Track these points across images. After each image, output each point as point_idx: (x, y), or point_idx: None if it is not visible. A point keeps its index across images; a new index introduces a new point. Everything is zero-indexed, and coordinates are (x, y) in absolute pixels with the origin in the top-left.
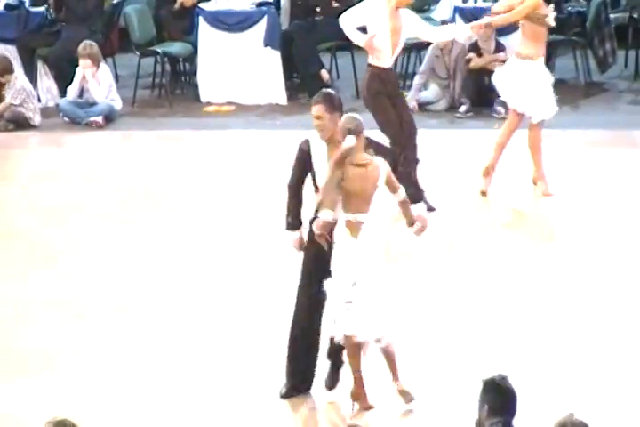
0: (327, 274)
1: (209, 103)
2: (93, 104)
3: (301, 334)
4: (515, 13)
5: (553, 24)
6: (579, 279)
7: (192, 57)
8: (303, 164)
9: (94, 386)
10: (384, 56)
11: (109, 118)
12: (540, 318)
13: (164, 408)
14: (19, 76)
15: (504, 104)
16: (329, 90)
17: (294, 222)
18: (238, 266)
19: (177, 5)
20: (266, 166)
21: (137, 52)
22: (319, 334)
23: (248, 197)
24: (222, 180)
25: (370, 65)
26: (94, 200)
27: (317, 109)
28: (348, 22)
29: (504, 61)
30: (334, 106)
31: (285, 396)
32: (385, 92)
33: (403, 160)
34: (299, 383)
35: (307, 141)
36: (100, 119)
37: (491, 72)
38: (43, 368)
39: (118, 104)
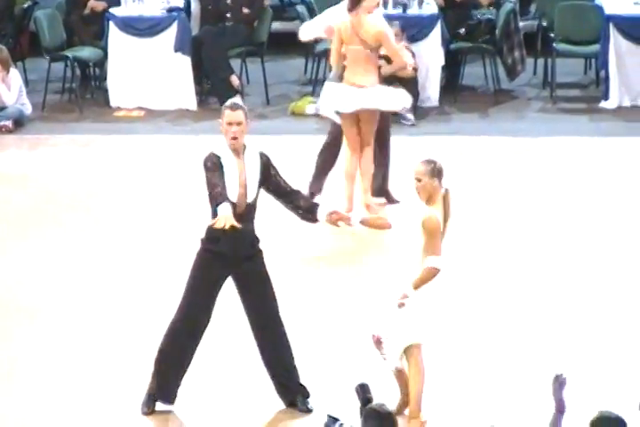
0: (215, 287)
1: (119, 108)
2: (3, 108)
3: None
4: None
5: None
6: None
7: (102, 62)
8: (219, 173)
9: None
10: None
11: (19, 123)
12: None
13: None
14: None
15: (413, 111)
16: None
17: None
18: (154, 270)
19: (87, 10)
20: (175, 172)
21: (47, 57)
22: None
23: (156, 201)
24: (131, 185)
25: None
26: (3, 204)
27: (238, 115)
28: (307, 35)
29: (414, 69)
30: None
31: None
32: None
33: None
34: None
35: (213, 155)
36: (9, 123)
37: (400, 79)
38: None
39: (28, 108)
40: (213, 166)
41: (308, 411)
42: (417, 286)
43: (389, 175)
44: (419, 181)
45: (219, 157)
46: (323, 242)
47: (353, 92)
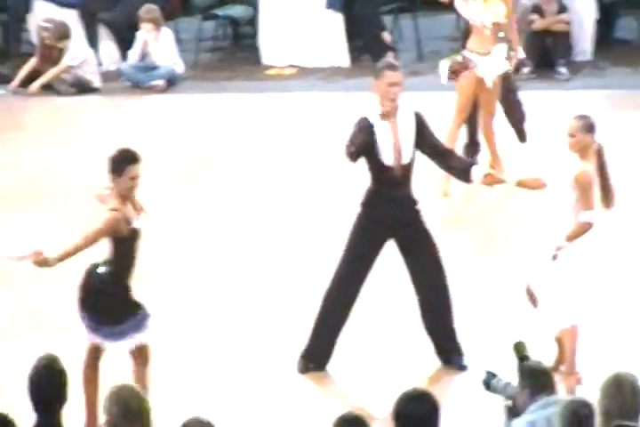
0: (374, 251)
1: (271, 66)
2: (155, 68)
3: (331, 309)
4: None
5: None
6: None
7: (253, 20)
8: (365, 136)
9: None
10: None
11: (171, 82)
12: None
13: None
14: (77, 40)
15: (567, 65)
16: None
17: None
18: (310, 229)
19: None
20: (328, 129)
21: (198, 16)
22: (349, 310)
23: (308, 159)
24: (283, 143)
25: None
26: (154, 163)
27: (399, 76)
28: None
29: (567, 22)
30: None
31: (302, 371)
32: None
33: None
34: (317, 359)
35: (364, 119)
36: (161, 83)
37: (553, 33)
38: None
39: (180, 68)
40: (359, 130)
41: (463, 369)
42: (570, 239)
43: None
44: (572, 136)
45: (371, 123)
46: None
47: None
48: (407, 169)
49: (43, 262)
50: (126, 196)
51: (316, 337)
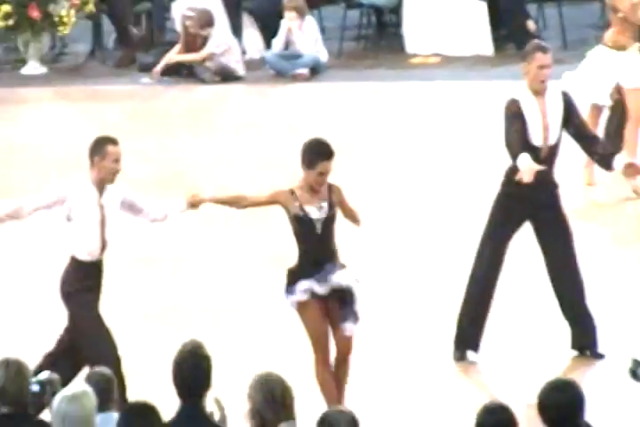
0: (515, 227)
1: (415, 55)
2: (299, 56)
3: (477, 292)
4: None
5: None
6: None
7: (397, 8)
8: (519, 121)
9: None
10: None
11: (315, 70)
12: None
13: None
14: (221, 28)
15: None
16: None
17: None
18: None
19: None
20: (471, 118)
21: (342, 4)
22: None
23: (451, 147)
24: (426, 132)
25: None
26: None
27: (549, 58)
28: None
29: None
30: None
31: (458, 359)
32: None
33: None
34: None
35: (514, 101)
36: (306, 71)
37: None
38: None
39: (324, 56)
40: (513, 116)
41: (599, 357)
42: None
43: None
44: None
45: (519, 103)
46: None
47: None
48: (553, 150)
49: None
50: (312, 188)
51: (468, 321)
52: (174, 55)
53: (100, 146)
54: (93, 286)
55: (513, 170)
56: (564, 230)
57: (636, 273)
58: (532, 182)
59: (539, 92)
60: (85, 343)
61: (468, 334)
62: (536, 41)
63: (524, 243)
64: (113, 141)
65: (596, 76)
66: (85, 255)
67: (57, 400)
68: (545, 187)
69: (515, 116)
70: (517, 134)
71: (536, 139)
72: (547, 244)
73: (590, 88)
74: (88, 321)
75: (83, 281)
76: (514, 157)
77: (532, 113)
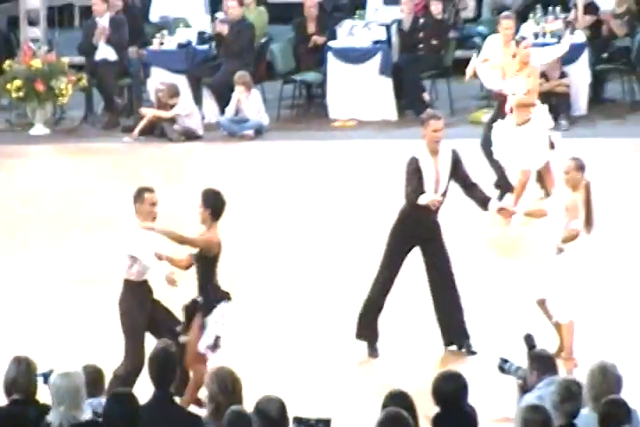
0: (405, 255)
1: (336, 120)
2: (246, 121)
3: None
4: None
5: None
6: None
7: (323, 83)
8: (418, 175)
9: None
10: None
11: (259, 132)
12: None
13: None
14: (186, 98)
15: (567, 119)
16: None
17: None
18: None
19: (311, 43)
20: (383, 171)
21: (280, 80)
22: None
23: (365, 191)
24: (346, 179)
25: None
26: (246, 195)
27: (441, 123)
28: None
29: (567, 85)
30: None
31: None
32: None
33: None
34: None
35: (414, 159)
36: (251, 133)
37: (556, 94)
38: None
39: (266, 121)
40: (413, 171)
41: (473, 353)
42: (565, 242)
43: None
44: (566, 173)
45: (418, 161)
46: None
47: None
48: (442, 197)
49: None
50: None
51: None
52: (149, 110)
53: (140, 194)
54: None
55: (406, 212)
56: (443, 257)
57: (512, 283)
58: (418, 221)
59: (434, 151)
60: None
61: (371, 331)
62: (430, 110)
63: None
64: (149, 190)
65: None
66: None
67: (52, 376)
68: (429, 224)
69: (414, 172)
70: (417, 186)
71: (429, 189)
72: (429, 266)
73: (516, 157)
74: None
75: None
76: (412, 203)
77: (428, 168)
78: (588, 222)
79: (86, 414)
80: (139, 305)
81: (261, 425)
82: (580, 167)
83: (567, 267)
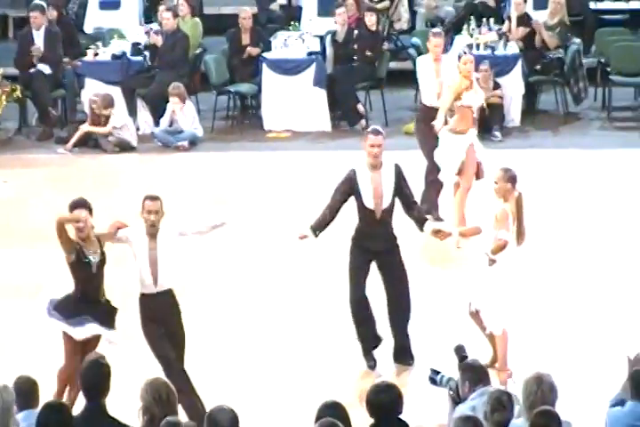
0: (367, 268)
1: (271, 131)
2: (181, 132)
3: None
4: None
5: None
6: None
7: (257, 95)
8: (348, 187)
9: None
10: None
11: (193, 143)
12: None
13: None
14: (121, 109)
15: (500, 130)
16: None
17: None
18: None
19: (245, 55)
20: (317, 182)
21: (214, 91)
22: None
23: (299, 202)
24: (280, 190)
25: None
26: (181, 206)
27: (379, 139)
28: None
29: (500, 97)
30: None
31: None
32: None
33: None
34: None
35: (352, 170)
36: (186, 144)
37: (489, 105)
38: None
39: (200, 132)
40: (345, 180)
41: (410, 364)
42: (494, 252)
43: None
44: (496, 183)
45: (355, 173)
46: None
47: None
48: (387, 212)
49: None
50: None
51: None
52: (87, 127)
53: (142, 202)
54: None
55: (358, 228)
56: (400, 271)
57: (445, 296)
58: (373, 237)
59: (373, 165)
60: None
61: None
62: (372, 126)
63: None
64: (150, 198)
65: (448, 156)
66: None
67: None
68: (383, 239)
69: (345, 182)
70: (339, 194)
71: (368, 203)
72: (386, 280)
73: (446, 167)
74: None
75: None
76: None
77: (365, 182)
78: (520, 234)
79: None
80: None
81: None
82: (510, 178)
83: (499, 278)
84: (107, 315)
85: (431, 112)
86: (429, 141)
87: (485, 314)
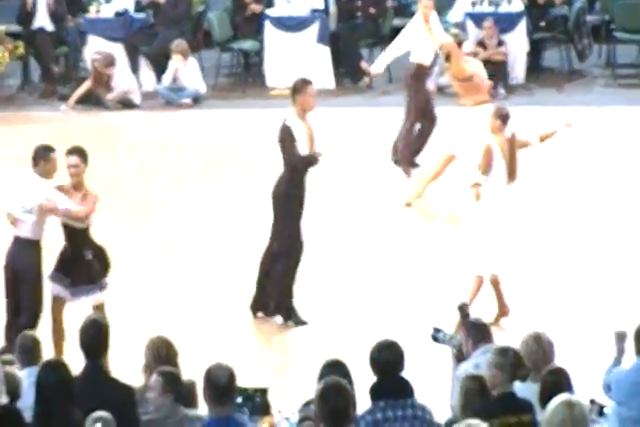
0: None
1: (274, 88)
2: (184, 89)
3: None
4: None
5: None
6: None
7: (260, 52)
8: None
9: None
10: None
11: (196, 100)
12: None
13: None
14: (123, 67)
15: (504, 87)
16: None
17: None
18: None
19: (248, 12)
20: (320, 139)
21: (217, 48)
22: None
23: None
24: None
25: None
26: (184, 163)
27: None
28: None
29: (504, 54)
30: None
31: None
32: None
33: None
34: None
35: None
36: (189, 101)
37: (493, 62)
38: None
39: (203, 89)
40: (289, 138)
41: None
42: (475, 200)
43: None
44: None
45: (293, 130)
46: None
47: None
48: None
49: None
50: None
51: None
52: (84, 88)
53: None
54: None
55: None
56: None
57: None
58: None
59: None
60: None
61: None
62: (302, 77)
63: None
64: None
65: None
66: None
67: None
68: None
69: (294, 143)
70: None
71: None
72: None
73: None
74: None
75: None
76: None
77: (301, 132)
78: (511, 173)
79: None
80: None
81: (210, 392)
82: (500, 115)
83: (486, 217)
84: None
85: (423, 70)
86: (418, 98)
87: (473, 256)
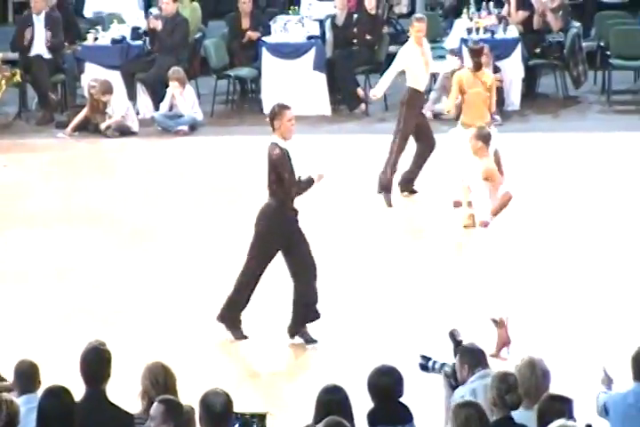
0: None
1: None
2: (181, 116)
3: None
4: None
5: None
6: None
7: (257, 79)
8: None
9: None
10: (422, 81)
11: (193, 127)
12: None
13: None
14: (120, 94)
15: (500, 114)
16: None
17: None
18: None
19: (245, 39)
20: (316, 166)
21: (214, 76)
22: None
23: None
24: None
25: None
26: (181, 190)
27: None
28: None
29: (500, 80)
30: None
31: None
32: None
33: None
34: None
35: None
36: (185, 128)
37: None
38: None
39: (200, 116)
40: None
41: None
42: (495, 212)
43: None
44: (470, 141)
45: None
46: None
47: None
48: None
49: None
50: None
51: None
52: (81, 116)
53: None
54: None
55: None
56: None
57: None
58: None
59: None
60: None
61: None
62: (279, 102)
63: None
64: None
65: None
66: None
67: None
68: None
69: (288, 167)
70: (292, 175)
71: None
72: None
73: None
74: None
75: None
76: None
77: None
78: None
79: None
80: None
81: (206, 419)
82: (479, 136)
83: (496, 247)
84: None
85: (417, 96)
86: (408, 125)
87: (485, 302)
